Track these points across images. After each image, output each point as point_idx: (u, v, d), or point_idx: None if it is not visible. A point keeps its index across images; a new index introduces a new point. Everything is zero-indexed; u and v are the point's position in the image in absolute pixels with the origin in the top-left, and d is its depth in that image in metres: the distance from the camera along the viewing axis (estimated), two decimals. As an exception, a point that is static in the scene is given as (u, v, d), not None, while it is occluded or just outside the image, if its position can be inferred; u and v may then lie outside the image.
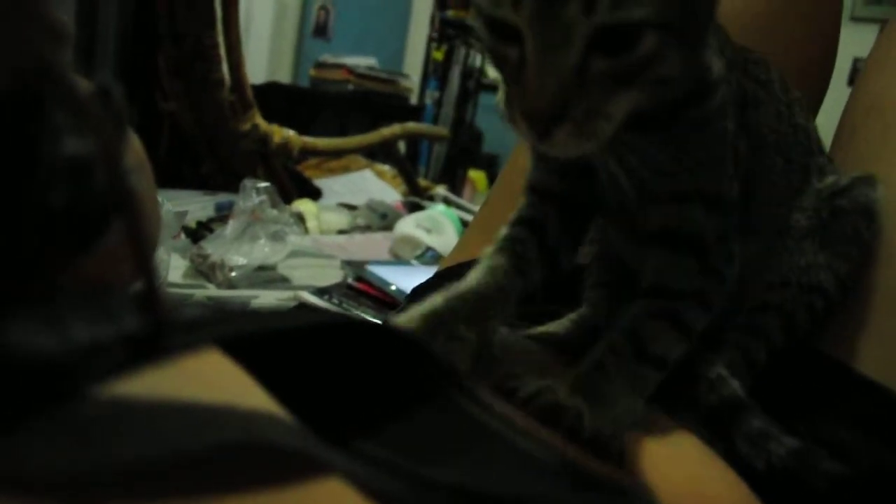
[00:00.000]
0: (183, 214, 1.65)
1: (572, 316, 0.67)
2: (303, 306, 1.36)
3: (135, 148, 0.48)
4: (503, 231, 0.56)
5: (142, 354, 0.23)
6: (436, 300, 0.51)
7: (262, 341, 0.28)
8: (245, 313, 0.32)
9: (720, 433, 0.55)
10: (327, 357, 0.30)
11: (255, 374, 0.27)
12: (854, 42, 1.72)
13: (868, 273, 0.64)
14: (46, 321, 0.22)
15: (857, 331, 0.63)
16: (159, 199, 0.79)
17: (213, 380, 0.27)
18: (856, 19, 4.14)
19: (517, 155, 0.89)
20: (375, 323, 0.34)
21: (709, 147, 0.51)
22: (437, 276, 0.87)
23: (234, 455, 0.23)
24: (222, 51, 2.35)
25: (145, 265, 0.25)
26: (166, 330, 0.24)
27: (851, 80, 0.86)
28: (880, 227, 0.64)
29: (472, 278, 0.53)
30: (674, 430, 0.53)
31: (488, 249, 0.56)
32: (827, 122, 0.71)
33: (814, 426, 0.59)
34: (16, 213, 0.22)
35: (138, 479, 0.20)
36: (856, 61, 3.48)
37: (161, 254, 1.22)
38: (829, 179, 0.64)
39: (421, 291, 0.82)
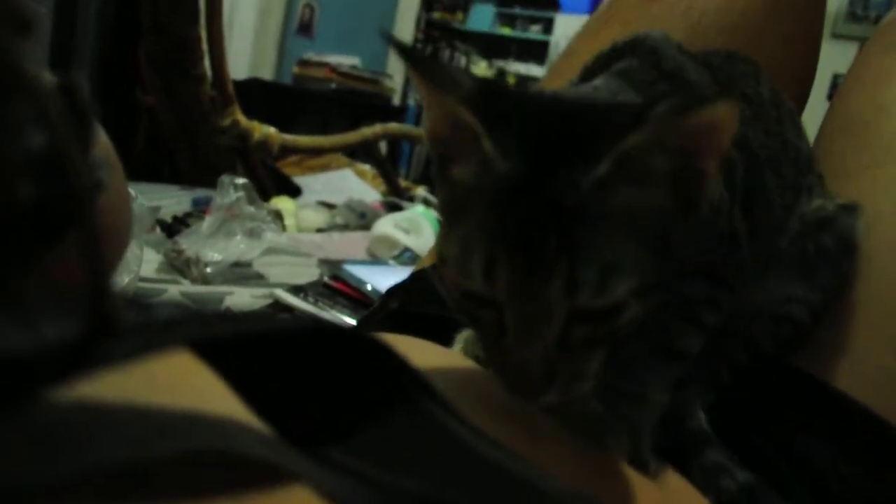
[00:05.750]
0: (156, 209, 1.64)
1: None
2: (277, 305, 1.35)
3: (104, 144, 0.48)
4: None
5: (89, 357, 0.22)
6: None
7: (234, 344, 0.28)
8: (217, 315, 0.31)
9: (679, 463, 0.55)
10: (297, 362, 0.30)
11: (225, 378, 0.27)
12: (834, 59, 1.74)
13: (847, 291, 0.64)
14: (14, 319, 0.21)
15: (836, 348, 0.63)
16: (132, 193, 0.78)
17: (181, 384, 0.27)
18: (836, 36, 4.19)
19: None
20: (347, 328, 0.34)
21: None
22: (412, 277, 0.87)
23: (197, 463, 0.22)
24: (204, 45, 2.33)
25: (94, 268, 0.24)
26: (109, 336, 0.23)
27: (831, 96, 0.86)
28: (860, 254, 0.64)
29: None
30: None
31: None
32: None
33: (790, 441, 0.59)
34: None
35: (97, 487, 0.20)
36: (836, 77, 3.53)
37: (133, 248, 1.21)
38: (816, 203, 0.63)
39: (396, 292, 0.82)
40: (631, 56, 0.52)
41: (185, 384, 0.27)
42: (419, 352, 0.54)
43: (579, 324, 0.39)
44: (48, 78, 0.26)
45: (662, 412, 0.51)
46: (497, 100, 0.40)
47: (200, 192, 2.08)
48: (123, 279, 1.16)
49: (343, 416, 0.30)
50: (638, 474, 0.49)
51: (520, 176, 0.38)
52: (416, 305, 0.75)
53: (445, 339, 0.61)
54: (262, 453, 0.24)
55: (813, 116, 0.88)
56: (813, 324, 0.63)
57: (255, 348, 0.28)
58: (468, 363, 0.53)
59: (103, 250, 0.26)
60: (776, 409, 0.62)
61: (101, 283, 0.24)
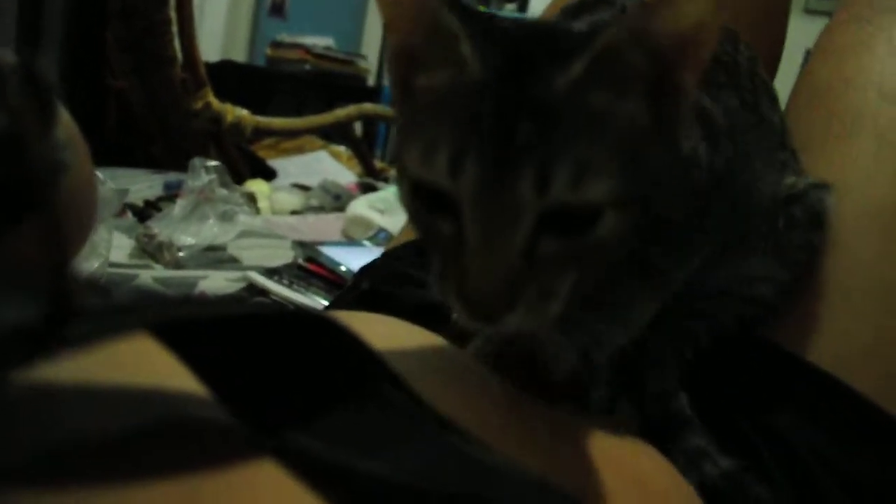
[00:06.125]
0: (124, 192, 1.63)
1: None
2: (252, 288, 1.34)
3: (67, 124, 0.47)
4: None
5: (46, 341, 0.22)
6: None
7: (197, 329, 0.27)
8: (177, 300, 0.31)
9: (659, 446, 0.54)
10: (263, 346, 0.29)
11: (188, 362, 0.26)
12: (807, 34, 1.74)
13: (816, 265, 0.64)
14: None
15: (805, 323, 0.63)
16: (100, 176, 0.77)
17: (140, 365, 0.27)
18: (809, 11, 4.20)
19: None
20: (309, 311, 0.33)
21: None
22: (384, 255, 0.86)
23: (164, 435, 0.22)
24: (175, 28, 2.30)
25: (55, 251, 0.24)
26: (68, 319, 0.23)
27: (803, 72, 0.87)
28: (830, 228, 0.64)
29: None
30: (623, 429, 0.54)
31: None
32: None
33: (766, 416, 0.59)
34: None
35: (67, 461, 0.20)
36: (808, 53, 3.55)
37: (102, 232, 1.20)
38: (789, 181, 0.62)
39: (368, 271, 0.82)
40: (603, 9, 0.52)
41: (143, 366, 0.27)
42: (383, 329, 0.54)
43: (550, 235, 0.37)
44: (8, 59, 0.26)
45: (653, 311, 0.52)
46: (475, 11, 0.41)
47: (172, 176, 2.06)
48: (93, 264, 1.15)
49: (308, 401, 0.30)
50: (616, 454, 0.49)
51: (496, 78, 0.37)
52: (388, 284, 0.74)
53: (418, 318, 0.61)
54: (223, 420, 0.24)
55: (786, 93, 0.88)
56: (781, 303, 0.63)
57: (220, 333, 0.28)
58: (435, 340, 0.53)
59: (64, 233, 0.26)
60: (757, 390, 0.62)
61: (61, 266, 0.24)
